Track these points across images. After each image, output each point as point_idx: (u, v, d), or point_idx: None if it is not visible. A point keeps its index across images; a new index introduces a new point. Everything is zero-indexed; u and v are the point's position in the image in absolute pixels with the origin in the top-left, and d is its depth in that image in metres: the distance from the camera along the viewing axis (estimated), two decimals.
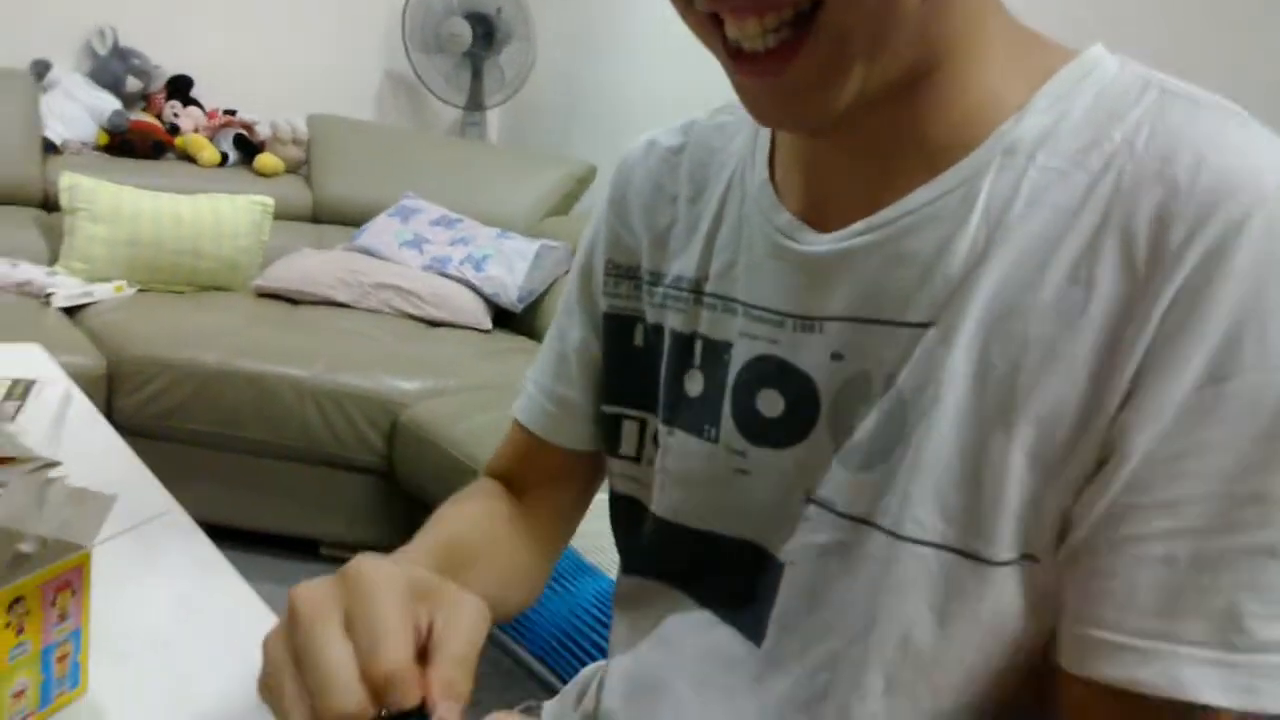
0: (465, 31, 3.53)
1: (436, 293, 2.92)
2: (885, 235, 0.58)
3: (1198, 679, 0.49)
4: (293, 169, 3.44)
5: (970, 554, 0.56)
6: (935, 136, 0.57)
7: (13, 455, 0.88)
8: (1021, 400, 0.54)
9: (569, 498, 0.83)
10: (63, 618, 0.62)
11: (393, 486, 2.40)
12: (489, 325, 2.93)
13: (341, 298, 2.91)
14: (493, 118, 3.89)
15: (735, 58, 0.55)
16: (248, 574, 0.83)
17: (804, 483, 0.63)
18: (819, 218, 0.62)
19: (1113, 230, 0.52)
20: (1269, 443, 0.49)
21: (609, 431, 0.77)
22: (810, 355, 0.62)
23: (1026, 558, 0.55)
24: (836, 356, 0.61)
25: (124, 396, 2.42)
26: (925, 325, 0.57)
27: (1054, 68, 0.57)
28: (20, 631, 0.58)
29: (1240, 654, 0.49)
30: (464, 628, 0.47)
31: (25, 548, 0.59)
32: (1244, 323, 0.49)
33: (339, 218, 3.34)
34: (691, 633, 0.69)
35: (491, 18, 3.58)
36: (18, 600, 0.58)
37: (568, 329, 0.80)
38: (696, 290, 0.70)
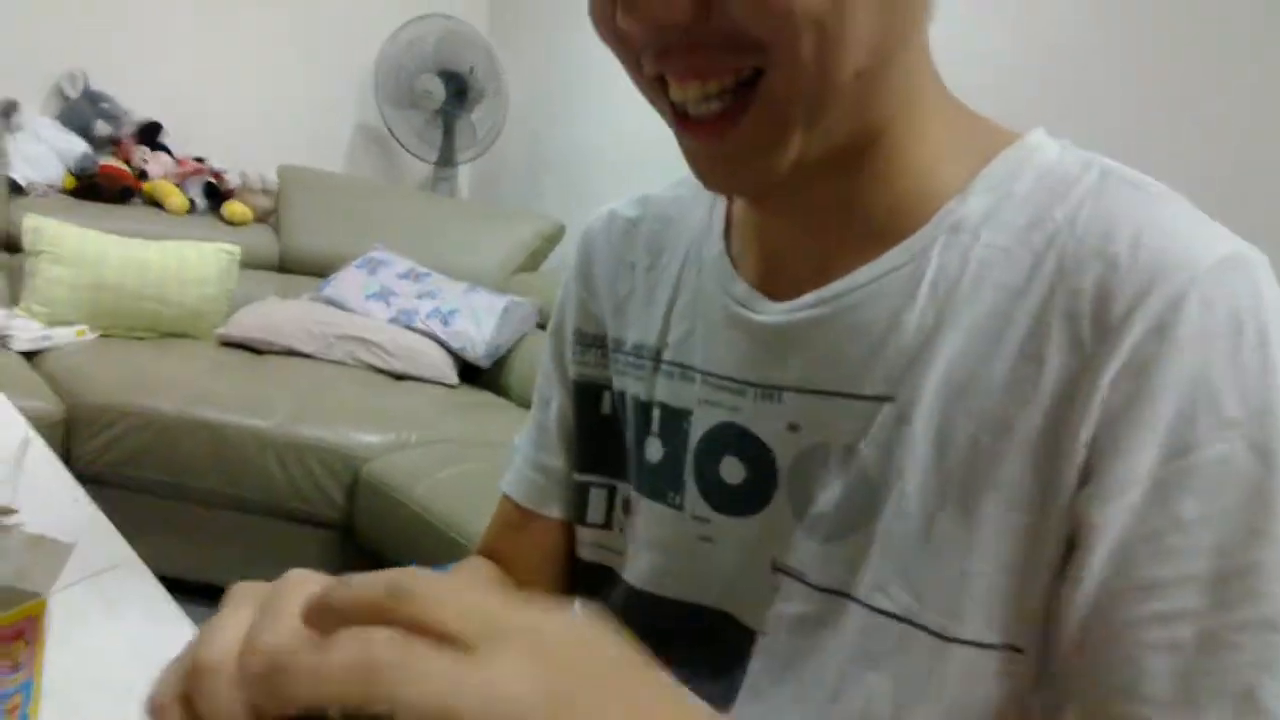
0: (438, 89, 3.56)
1: (402, 346, 2.91)
2: (835, 309, 0.60)
3: None
4: (261, 218, 3.44)
5: (936, 631, 0.56)
6: (877, 212, 0.59)
7: None
8: (981, 476, 0.54)
9: (564, 572, 0.82)
10: (15, 668, 0.60)
11: (352, 542, 2.38)
12: (455, 380, 2.92)
13: (306, 349, 2.89)
14: (464, 173, 3.92)
15: (681, 121, 0.56)
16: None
17: (768, 551, 0.63)
18: (773, 288, 0.63)
19: (1058, 308, 0.53)
20: (1248, 512, 0.50)
21: (578, 499, 0.77)
22: (768, 425, 0.63)
23: (1010, 648, 0.55)
24: (793, 427, 0.61)
25: (82, 443, 2.39)
26: (882, 399, 0.58)
27: (995, 149, 0.59)
28: None
29: None
30: None
31: None
32: (1195, 394, 0.50)
33: (306, 268, 3.34)
34: None
35: (464, 76, 3.62)
36: None
37: (548, 398, 0.80)
38: (655, 358, 0.71)
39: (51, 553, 0.62)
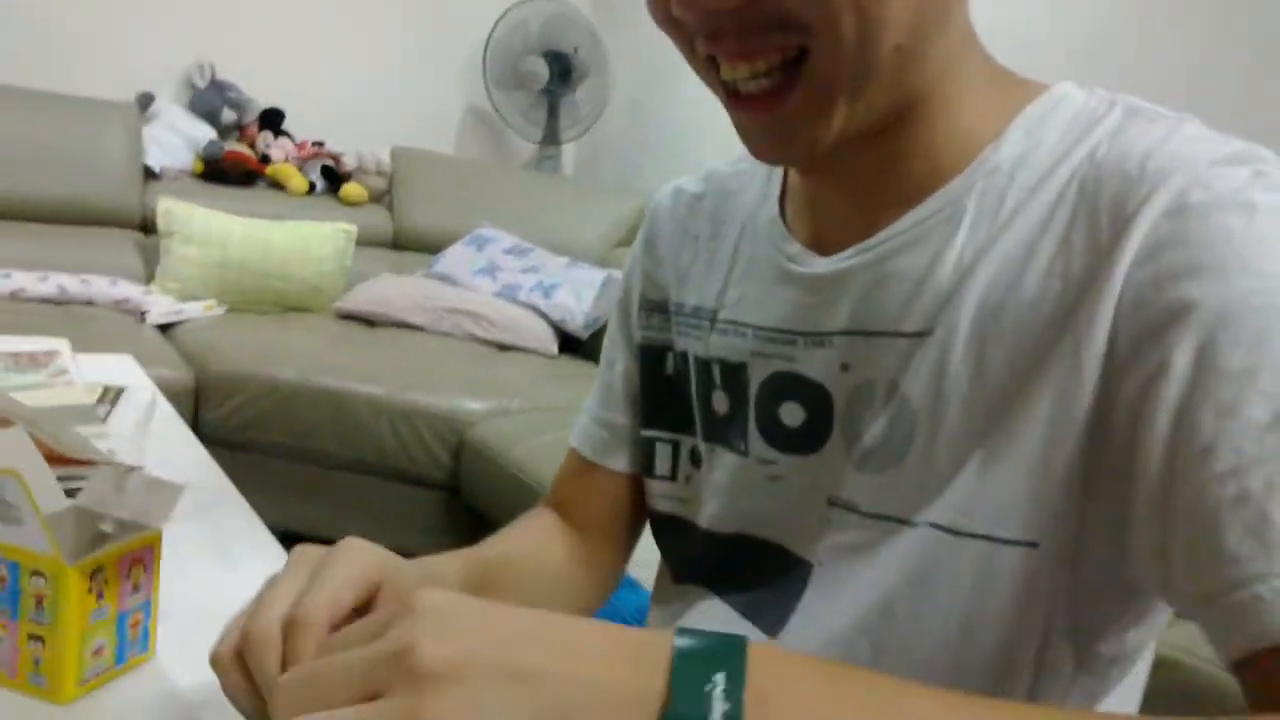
0: (543, 69, 3.67)
1: (506, 318, 3.03)
2: (876, 256, 0.64)
3: None
4: (376, 198, 3.59)
5: (976, 534, 0.60)
6: (918, 171, 0.64)
7: (96, 460, 0.98)
8: (1016, 396, 0.58)
9: (621, 519, 0.87)
10: (136, 589, 0.71)
11: (458, 502, 2.50)
12: (555, 350, 3.03)
13: (417, 321, 3.03)
14: (568, 152, 4.01)
15: (732, 98, 0.61)
16: None
17: (825, 488, 0.68)
18: (824, 247, 0.69)
19: (1079, 225, 0.57)
20: None
21: (646, 454, 0.83)
22: (822, 368, 0.67)
23: (1027, 544, 0.58)
24: (845, 367, 0.66)
25: (210, 409, 2.54)
26: (922, 334, 0.62)
27: (1026, 101, 0.63)
28: (100, 598, 0.67)
29: None
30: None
31: (105, 528, 0.68)
32: (1219, 259, 0.52)
33: (418, 245, 3.49)
34: (704, 620, 0.75)
35: (569, 56, 3.71)
36: (98, 571, 0.67)
37: (613, 360, 0.87)
38: (711, 319, 0.76)
39: (165, 493, 0.72)
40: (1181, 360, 0.51)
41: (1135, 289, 0.54)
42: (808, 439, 0.69)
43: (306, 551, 0.63)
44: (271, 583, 0.61)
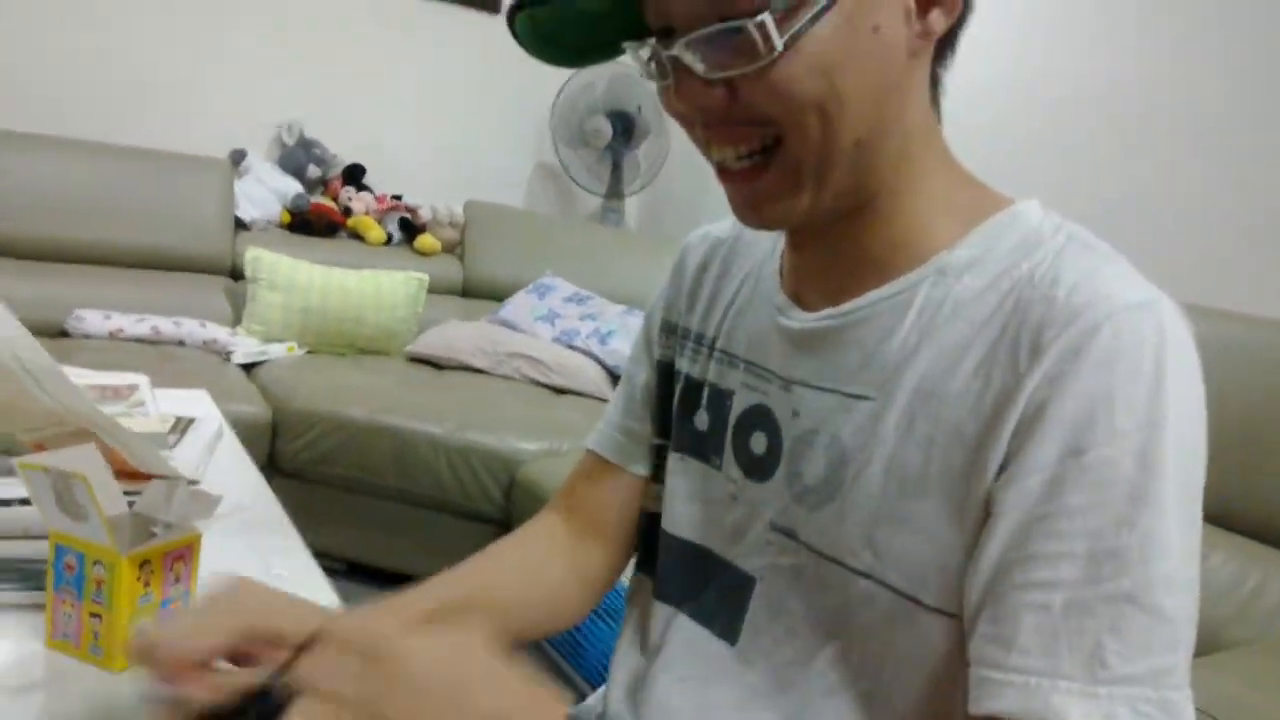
0: (606, 128, 3.84)
1: (563, 363, 3.16)
2: (841, 323, 0.75)
3: (1069, 707, 0.58)
4: (448, 249, 3.77)
5: (896, 589, 0.68)
6: (878, 252, 0.73)
7: (163, 474, 1.14)
8: (934, 466, 0.67)
9: (627, 522, 0.95)
10: (177, 580, 0.85)
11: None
12: (609, 394, 3.16)
13: (479, 364, 3.18)
14: (630, 205, 4.17)
15: (721, 172, 0.72)
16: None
17: (769, 512, 0.78)
18: (804, 301, 0.79)
19: (1007, 339, 0.66)
20: (1118, 507, 0.60)
21: (656, 459, 0.93)
22: (782, 410, 0.78)
23: (949, 614, 0.66)
24: (795, 414, 0.77)
25: (285, 443, 2.70)
26: (865, 398, 0.72)
27: (987, 211, 0.72)
28: (146, 585, 0.82)
29: (1102, 686, 0.58)
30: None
31: (155, 530, 0.83)
32: (1094, 405, 0.61)
33: (486, 293, 3.66)
34: (676, 634, 0.85)
35: (632, 115, 3.88)
36: (146, 563, 0.81)
37: (635, 374, 0.96)
38: (710, 347, 0.87)
39: (205, 502, 0.86)
40: (1035, 480, 0.62)
41: (1028, 413, 0.63)
42: (763, 468, 0.79)
43: (228, 582, 0.70)
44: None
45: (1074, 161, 2.81)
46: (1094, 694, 0.58)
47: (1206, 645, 1.82)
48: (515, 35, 0.74)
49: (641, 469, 0.94)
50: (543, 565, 0.94)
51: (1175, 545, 0.60)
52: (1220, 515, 2.03)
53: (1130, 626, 0.59)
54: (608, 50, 0.75)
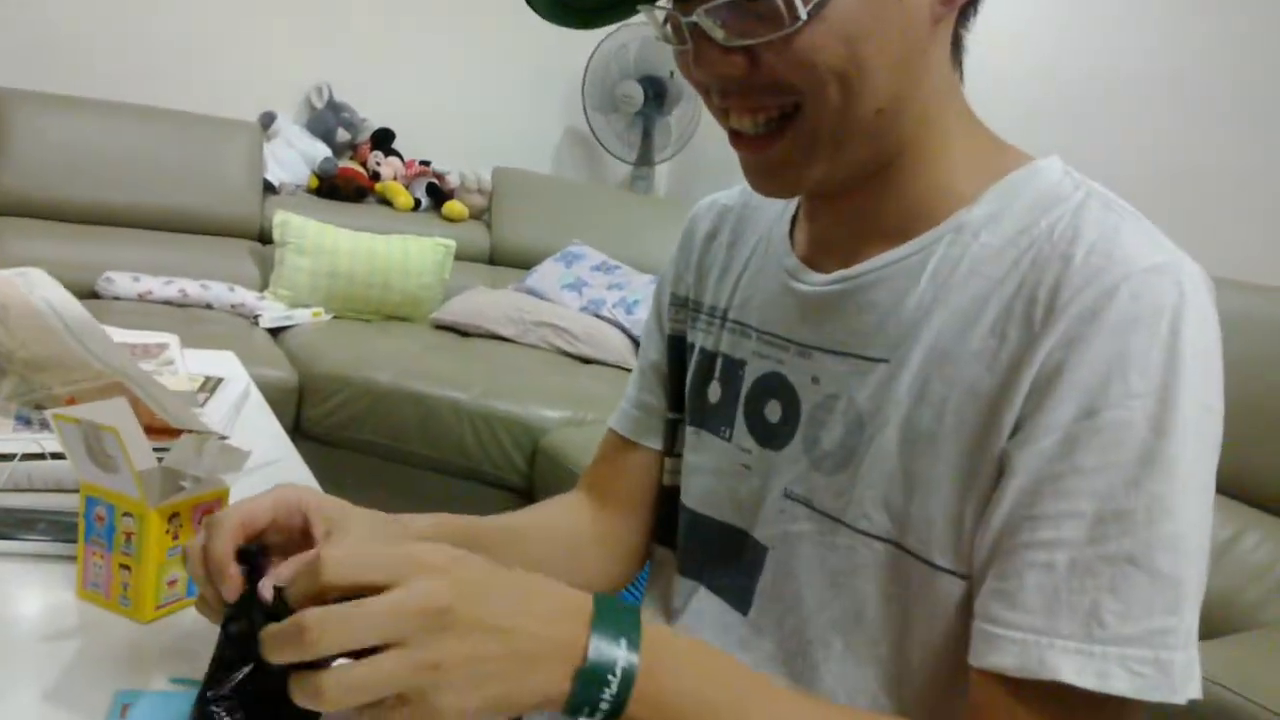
0: (637, 93, 3.82)
1: (589, 332, 3.17)
2: (856, 285, 0.74)
3: (1063, 664, 0.59)
4: (476, 215, 3.78)
5: (911, 551, 0.68)
6: (896, 213, 0.73)
7: (195, 430, 1.14)
8: (947, 426, 0.67)
9: (647, 498, 0.95)
10: None
11: (531, 504, 2.62)
12: (634, 364, 3.15)
13: (506, 333, 3.18)
14: (661, 172, 4.15)
15: (735, 137, 0.71)
16: None
17: (784, 480, 0.77)
18: (817, 264, 0.78)
19: (1023, 295, 0.65)
20: (1128, 468, 0.60)
21: (669, 434, 0.93)
22: (800, 376, 0.77)
23: (962, 575, 0.66)
24: (815, 380, 0.76)
25: (311, 407, 2.72)
26: (880, 361, 0.71)
27: (1007, 169, 0.71)
28: (175, 538, 0.82)
29: (1098, 645, 0.59)
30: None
31: (184, 484, 0.84)
32: (1110, 367, 0.60)
33: (513, 261, 3.67)
34: (693, 606, 0.85)
35: (664, 80, 3.85)
36: (175, 515, 0.81)
37: (648, 349, 0.97)
38: (723, 317, 0.86)
39: (234, 456, 0.86)
40: (1049, 441, 0.62)
41: (1044, 375, 0.62)
42: (779, 436, 0.78)
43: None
44: None
45: (1098, 133, 2.77)
46: (1090, 652, 0.59)
47: (1238, 624, 1.81)
48: None
49: (658, 444, 0.94)
50: (563, 529, 0.94)
51: (1183, 509, 0.60)
52: (1256, 496, 2.00)
53: (1130, 587, 0.59)
54: (621, 11, 0.73)
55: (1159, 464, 0.60)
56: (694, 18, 0.65)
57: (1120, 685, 0.58)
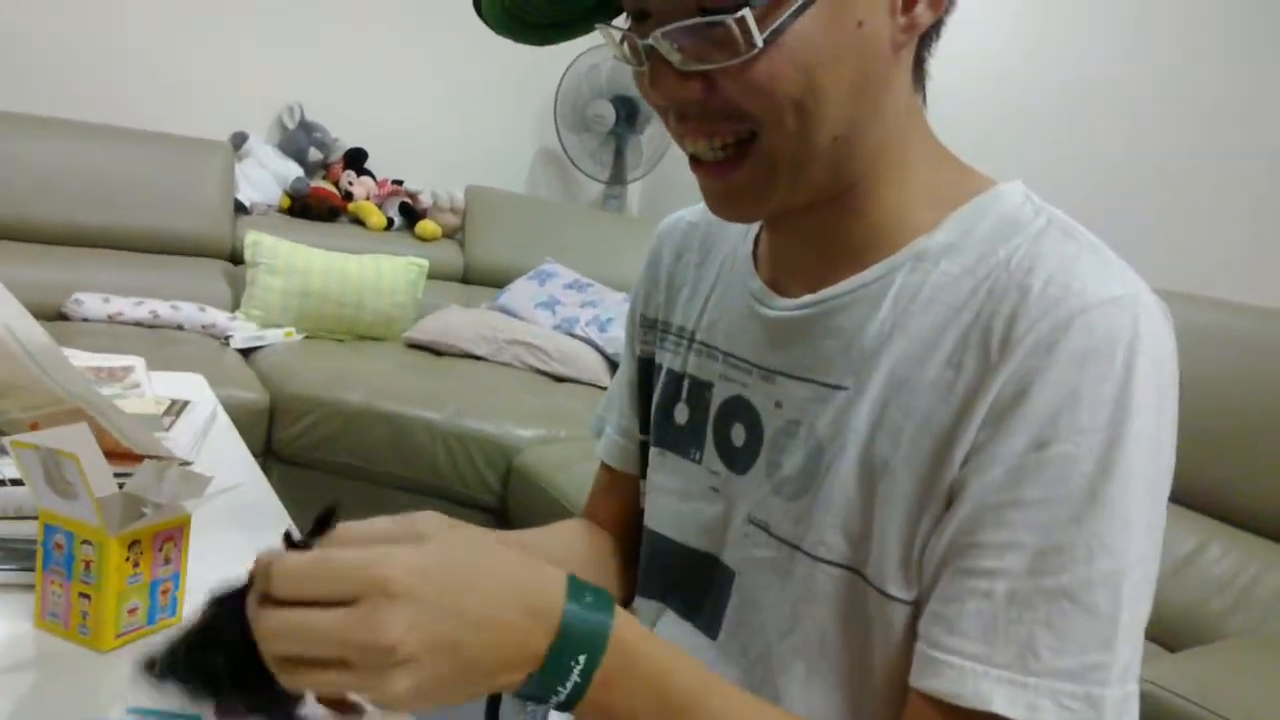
0: (609, 113, 3.83)
1: (562, 350, 3.16)
2: (819, 311, 0.73)
3: (996, 694, 0.59)
4: (449, 234, 3.78)
5: (867, 579, 0.68)
6: (859, 236, 0.72)
7: (157, 455, 1.14)
8: (902, 455, 0.67)
9: (639, 522, 0.92)
10: (167, 561, 0.84)
11: (506, 524, 2.62)
12: (608, 382, 3.16)
13: (479, 351, 3.18)
14: (633, 191, 4.17)
15: (695, 163, 0.70)
16: None
17: (748, 505, 0.77)
18: (781, 288, 0.77)
19: (980, 326, 0.65)
20: (1072, 504, 0.60)
21: (643, 457, 0.91)
22: (763, 400, 0.77)
23: (915, 604, 0.66)
24: (778, 404, 0.76)
25: (283, 428, 2.70)
26: (840, 388, 0.71)
27: (969, 194, 0.71)
28: (136, 565, 0.82)
29: (1031, 676, 0.59)
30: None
31: (145, 510, 0.83)
32: (1061, 402, 0.60)
33: (486, 279, 3.66)
34: (661, 630, 0.84)
35: (635, 100, 3.87)
36: (135, 543, 0.81)
37: (624, 372, 0.96)
38: (690, 339, 0.85)
39: (196, 482, 0.86)
40: (998, 471, 0.62)
41: (999, 406, 0.62)
42: (742, 460, 0.78)
43: None
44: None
45: (1067, 148, 2.80)
46: (1022, 683, 0.59)
47: (1203, 636, 1.82)
48: (478, 9, 0.72)
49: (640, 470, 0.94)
50: (561, 548, 0.93)
51: (1124, 547, 0.60)
52: (1219, 508, 2.03)
53: (1066, 622, 0.60)
54: (578, 28, 0.73)
55: (1102, 502, 0.60)
56: (650, 40, 0.65)
57: (1049, 718, 0.59)
